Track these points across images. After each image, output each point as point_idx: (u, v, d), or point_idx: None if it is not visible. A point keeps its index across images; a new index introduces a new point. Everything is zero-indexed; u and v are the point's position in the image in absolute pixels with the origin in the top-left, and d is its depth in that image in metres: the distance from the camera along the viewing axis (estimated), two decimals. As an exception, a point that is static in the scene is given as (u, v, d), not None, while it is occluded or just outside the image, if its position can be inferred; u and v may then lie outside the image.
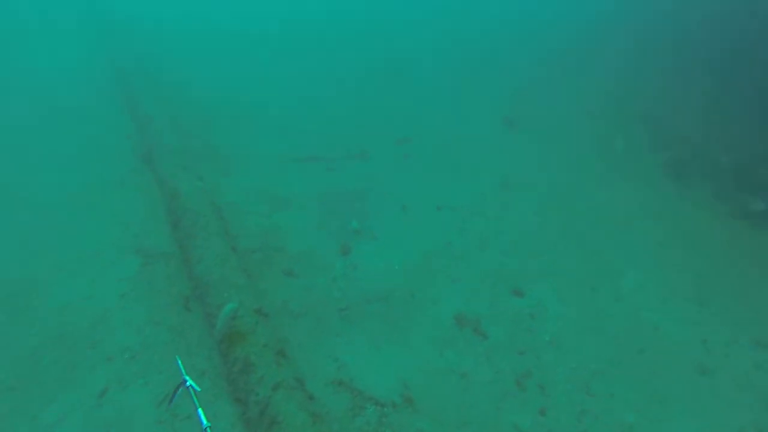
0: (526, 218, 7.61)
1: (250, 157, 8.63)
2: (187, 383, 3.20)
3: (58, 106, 10.21)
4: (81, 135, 9.08)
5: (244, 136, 9.46)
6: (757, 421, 4.85)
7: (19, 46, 13.86)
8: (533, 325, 5.57)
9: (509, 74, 13.60)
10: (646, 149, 10.58)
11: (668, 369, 5.25)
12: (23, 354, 4.85)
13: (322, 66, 13.85)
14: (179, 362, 3.41)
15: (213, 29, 16.62)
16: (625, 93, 12.54)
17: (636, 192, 8.82)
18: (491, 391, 4.75)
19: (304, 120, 10.38)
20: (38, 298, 5.51)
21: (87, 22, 16.11)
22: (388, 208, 7.58)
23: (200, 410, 3.05)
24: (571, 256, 6.85)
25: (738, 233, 8.01)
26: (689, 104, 11.88)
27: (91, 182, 7.65)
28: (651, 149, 10.54)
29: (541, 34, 16.75)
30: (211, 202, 6.54)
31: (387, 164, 8.72)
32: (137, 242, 6.32)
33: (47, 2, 17.78)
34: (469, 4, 19.94)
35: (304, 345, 5.12)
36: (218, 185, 7.49)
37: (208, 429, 3.00)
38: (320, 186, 7.92)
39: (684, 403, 4.90)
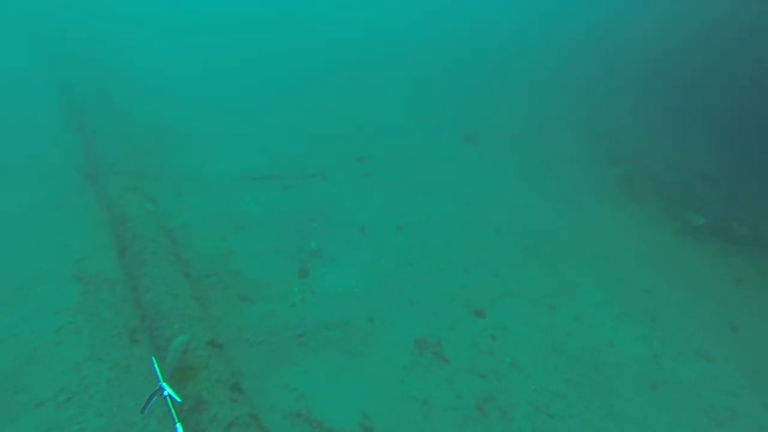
0: (486, 237, 7.68)
1: (204, 176, 8.33)
2: (165, 392, 2.92)
3: (-6, 120, 9.56)
4: (19, 149, 8.50)
5: (198, 154, 9.13)
6: (706, 435, 5.03)
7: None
8: (495, 347, 5.57)
9: (469, 92, 13.87)
10: (603, 166, 11.00)
11: (623, 385, 5.37)
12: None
13: (279, 84, 13.68)
14: (155, 366, 3.12)
15: (169, 44, 16.13)
16: (584, 111, 13.05)
17: (593, 209, 9.12)
18: (453, 417, 4.69)
19: (261, 138, 10.15)
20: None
21: (33, 31, 15.28)
22: (348, 228, 7.46)
23: (179, 426, 2.78)
24: (532, 275, 6.94)
25: (683, 248, 8.40)
26: (642, 124, 12.47)
27: (27, 201, 7.14)
28: (607, 166, 10.96)
29: (502, 53, 17.22)
30: (161, 226, 6.23)
31: (346, 183, 8.62)
32: (79, 268, 5.90)
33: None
34: (430, 23, 20.35)
35: (261, 375, 4.90)
36: (170, 206, 7.16)
37: None
38: (277, 206, 7.72)
39: (636, 420, 5.01)
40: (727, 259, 8.21)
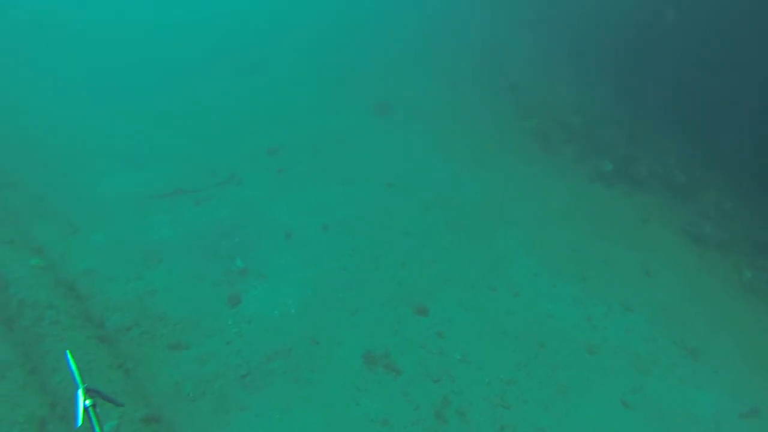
0: (414, 221, 7.58)
1: (100, 201, 7.36)
2: (86, 403, 2.35)
3: None
4: None
5: (88, 172, 8.03)
6: (633, 386, 5.47)
7: None
8: (443, 344, 5.61)
9: (374, 58, 13.31)
10: (515, 119, 11.15)
11: (565, 357, 5.66)
12: None
13: (159, 67, 12.24)
14: (70, 359, 2.58)
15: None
16: (490, 65, 13.02)
17: (512, 169, 9.28)
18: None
19: (157, 140, 9.12)
20: None
21: None
22: (272, 237, 7.02)
23: None
24: (465, 255, 6.99)
25: (596, 196, 8.87)
26: (550, 72, 12.70)
27: None
28: (519, 119, 11.13)
29: (400, 17, 16.51)
30: (57, 280, 5.44)
31: (262, 184, 8.03)
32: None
33: None
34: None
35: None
36: (65, 250, 6.26)
37: None
38: (193, 226, 7.05)
39: (579, 388, 5.34)
40: (633, 201, 8.79)
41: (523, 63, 12.96)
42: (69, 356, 2.60)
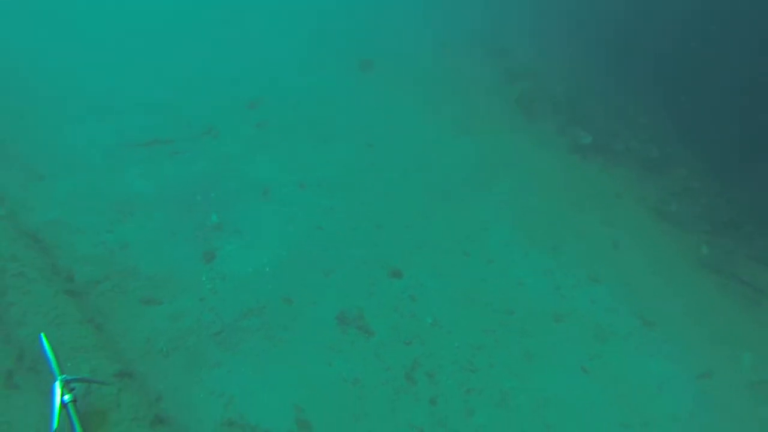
0: (394, 183, 7.55)
1: (70, 148, 7.02)
2: (65, 398, 2.09)
3: None
4: None
5: (56, 116, 7.61)
6: (592, 354, 5.77)
7: None
8: (415, 308, 5.73)
9: (362, 13, 12.78)
10: (501, 83, 11.03)
11: (533, 324, 5.88)
12: None
13: (149, 22, 11.49)
14: (45, 344, 2.32)
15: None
16: (482, 29, 12.69)
17: (494, 134, 9.26)
18: (385, 392, 4.87)
19: (132, 86, 8.67)
20: None
21: None
22: (249, 193, 6.91)
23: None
24: (442, 220, 7.05)
25: (574, 168, 9.00)
26: (541, 39, 12.48)
27: None
28: (506, 82, 11.01)
29: None
30: (19, 232, 5.23)
31: (240, 139, 7.80)
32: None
33: None
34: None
35: (183, 388, 4.61)
36: (29, 198, 6.00)
37: None
38: (169, 178, 6.84)
39: (544, 355, 5.59)
40: (609, 175, 8.96)
41: (515, 28, 12.69)
42: (44, 340, 2.33)
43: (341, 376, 4.95)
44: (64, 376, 2.10)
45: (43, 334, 2.42)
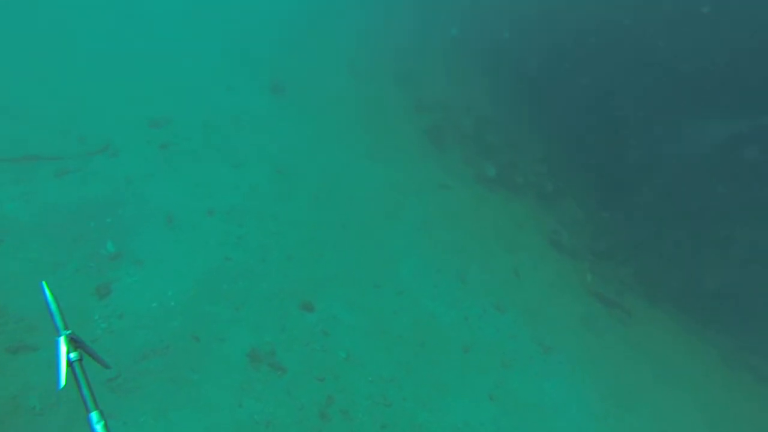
0: (304, 213, 7.43)
1: None
2: (71, 356, 1.78)
3: None
4: None
5: None
6: (498, 381, 6.10)
7: None
8: (327, 343, 5.65)
9: (274, 36, 12.63)
10: (411, 111, 11.44)
11: (443, 355, 6.07)
12: None
13: (38, 20, 10.31)
14: (47, 292, 1.88)
15: None
16: (391, 55, 13.11)
17: (404, 164, 9.54)
18: (298, 433, 4.73)
19: (10, 93, 7.68)
20: None
21: None
22: (151, 219, 6.39)
23: (94, 414, 1.72)
24: (353, 251, 7.06)
25: (479, 199, 9.57)
26: (441, 69, 13.18)
27: None
28: (416, 111, 11.43)
29: None
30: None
31: (142, 159, 7.23)
32: None
33: None
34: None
35: (64, 447, 4.08)
36: None
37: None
38: (50, 199, 6.10)
39: (453, 385, 5.79)
40: (511, 207, 9.67)
41: (425, 59, 13.30)
42: (45, 288, 1.95)
43: (252, 418, 4.71)
44: (69, 332, 1.78)
45: (44, 282, 2.03)
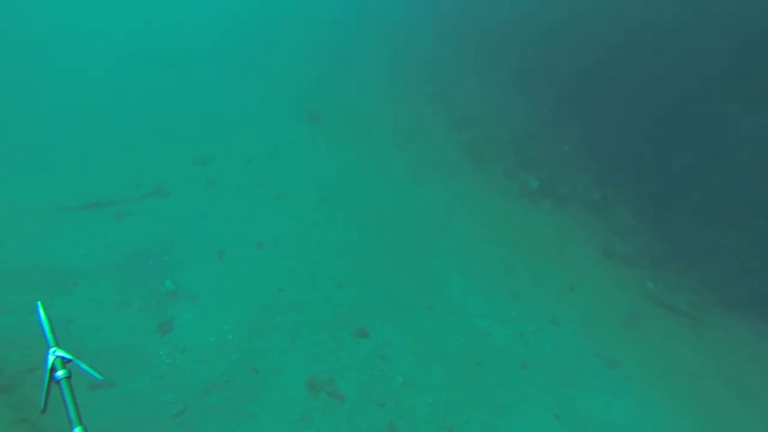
0: (350, 239, 7.51)
1: (-4, 213, 6.49)
2: (59, 374, 1.83)
3: None
4: None
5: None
6: (561, 399, 5.84)
7: None
8: (385, 367, 5.61)
9: (307, 65, 13.06)
10: (447, 131, 11.46)
11: (501, 374, 5.90)
12: None
13: (84, 72, 11.13)
14: (40, 311, 2.03)
15: None
16: (422, 75, 13.26)
17: (445, 182, 9.52)
18: (361, 462, 4.67)
19: (69, 147, 8.24)
20: None
21: None
22: (203, 255, 6.63)
23: (77, 430, 1.77)
24: (402, 274, 7.05)
25: (524, 213, 9.38)
26: (475, 85, 13.19)
27: None
28: (452, 131, 11.45)
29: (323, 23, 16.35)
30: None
31: (192, 198, 7.55)
32: None
33: None
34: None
35: (139, 481, 4.20)
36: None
37: None
38: (114, 243, 6.45)
39: (515, 404, 5.59)
40: (557, 218, 9.42)
41: (457, 76, 13.37)
42: (40, 308, 2.06)
43: (314, 449, 4.70)
44: (57, 350, 1.85)
45: (39, 302, 2.14)
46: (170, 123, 9.61)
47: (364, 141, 10.34)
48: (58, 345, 1.94)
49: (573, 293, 7.58)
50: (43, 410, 1.89)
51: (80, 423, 1.83)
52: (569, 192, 9.78)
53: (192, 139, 9.13)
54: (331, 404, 5.10)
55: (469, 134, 11.21)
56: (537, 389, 5.84)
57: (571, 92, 11.38)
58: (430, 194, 8.95)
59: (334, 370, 5.44)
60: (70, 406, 1.84)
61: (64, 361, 1.94)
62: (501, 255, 7.86)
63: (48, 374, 1.90)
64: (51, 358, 1.92)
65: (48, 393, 1.92)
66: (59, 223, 6.61)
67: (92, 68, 11.31)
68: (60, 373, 1.89)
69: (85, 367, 1.96)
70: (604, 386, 6.18)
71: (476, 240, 8.07)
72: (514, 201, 9.52)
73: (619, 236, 9.35)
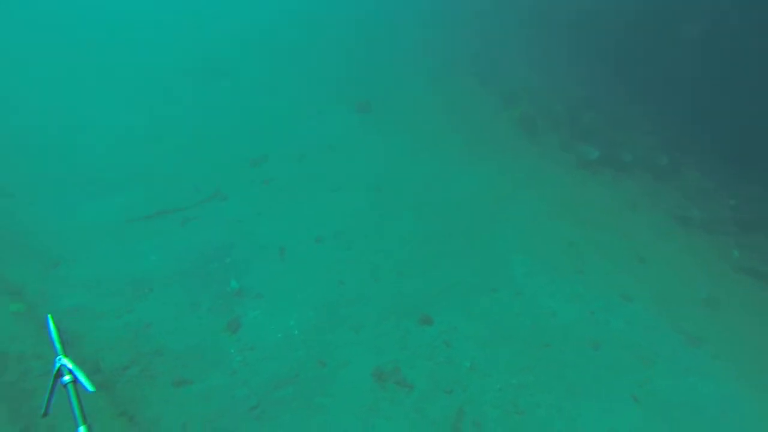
0: (407, 226, 7.46)
1: (79, 229, 7.01)
2: (65, 379, 2.04)
3: None
4: None
5: (60, 200, 7.63)
6: (640, 380, 5.51)
7: None
8: (451, 353, 5.55)
9: (352, 55, 13.03)
10: (498, 107, 11.08)
11: (571, 355, 5.67)
12: None
13: (136, 87, 11.74)
14: (51, 328, 2.24)
15: None
16: (468, 55, 12.88)
17: (500, 160, 9.22)
18: (433, 450, 4.66)
19: (129, 156, 8.73)
20: None
21: None
22: (265, 253, 6.82)
23: (82, 429, 1.96)
24: (463, 258, 6.93)
25: (585, 184, 8.90)
26: (523, 57, 12.63)
27: None
28: (503, 107, 11.05)
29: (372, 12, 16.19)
30: (42, 326, 5.13)
31: (249, 199, 7.78)
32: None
33: None
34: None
35: (224, 472, 4.43)
36: (47, 289, 5.94)
37: None
38: (182, 248, 6.78)
39: (589, 386, 5.36)
40: (620, 187, 8.87)
41: (504, 52, 12.86)
42: (50, 320, 2.31)
43: (386, 438, 4.74)
44: (63, 358, 2.05)
45: (50, 315, 2.39)
46: (224, 129, 9.93)
47: (414, 127, 10.20)
48: (65, 354, 2.16)
49: (644, 266, 7.14)
50: (45, 414, 2.08)
51: (84, 422, 2.00)
52: (632, 158, 9.17)
53: (246, 142, 9.39)
54: (399, 393, 5.12)
55: (521, 109, 10.77)
56: (611, 370, 5.57)
57: (627, 52, 10.61)
58: (485, 175, 8.71)
59: (400, 359, 5.45)
60: (76, 408, 2.02)
61: (65, 367, 2.13)
62: (563, 230, 7.52)
63: (53, 380, 2.10)
64: (57, 365, 2.07)
65: (50, 398, 2.11)
66: (131, 232, 7.03)
67: (146, 83, 11.87)
68: (66, 378, 2.07)
69: (81, 378, 2.12)
70: (687, 366, 5.79)
71: (536, 217, 7.77)
72: (573, 173, 9.07)
73: (694, 202, 8.67)
